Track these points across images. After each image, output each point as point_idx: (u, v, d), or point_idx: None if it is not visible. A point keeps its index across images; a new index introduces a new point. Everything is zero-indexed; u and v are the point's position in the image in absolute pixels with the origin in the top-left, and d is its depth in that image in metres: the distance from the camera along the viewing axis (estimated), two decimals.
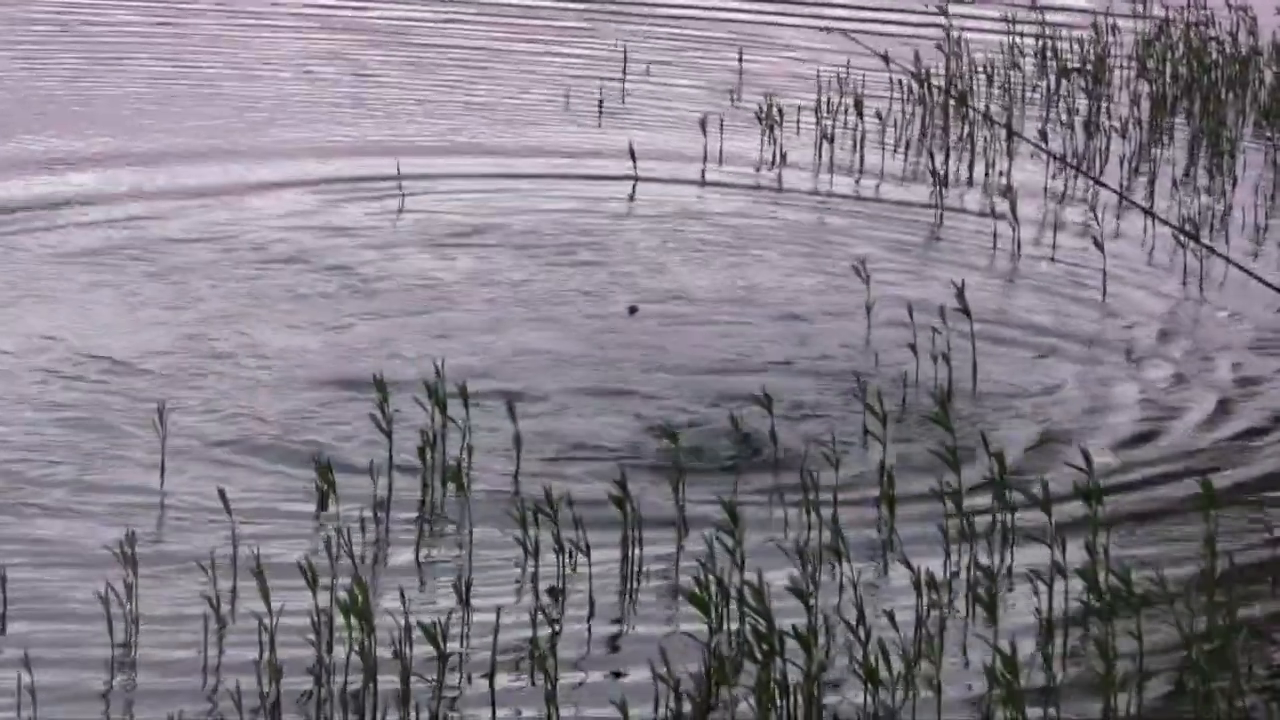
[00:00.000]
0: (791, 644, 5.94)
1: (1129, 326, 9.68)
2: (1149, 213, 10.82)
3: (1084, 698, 6.24)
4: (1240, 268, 9.26)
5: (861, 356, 8.73)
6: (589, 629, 6.63)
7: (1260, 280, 9.00)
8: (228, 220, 11.46)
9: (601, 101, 12.73)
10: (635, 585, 6.90)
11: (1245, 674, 6.30)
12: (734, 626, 6.10)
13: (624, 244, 10.45)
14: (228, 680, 6.13)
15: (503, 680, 6.21)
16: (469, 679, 6.22)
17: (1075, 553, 6.88)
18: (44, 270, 10.67)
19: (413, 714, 5.99)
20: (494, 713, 6.10)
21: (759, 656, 5.89)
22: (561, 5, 18.45)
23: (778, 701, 5.82)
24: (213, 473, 7.72)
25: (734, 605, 6.12)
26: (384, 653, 6.10)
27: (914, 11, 15.69)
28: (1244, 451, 8.08)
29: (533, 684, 6.21)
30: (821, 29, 14.13)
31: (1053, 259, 10.57)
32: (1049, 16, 14.40)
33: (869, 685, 5.86)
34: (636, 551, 6.99)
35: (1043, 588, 6.81)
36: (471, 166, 12.45)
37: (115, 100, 14.71)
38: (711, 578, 6.23)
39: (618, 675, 6.25)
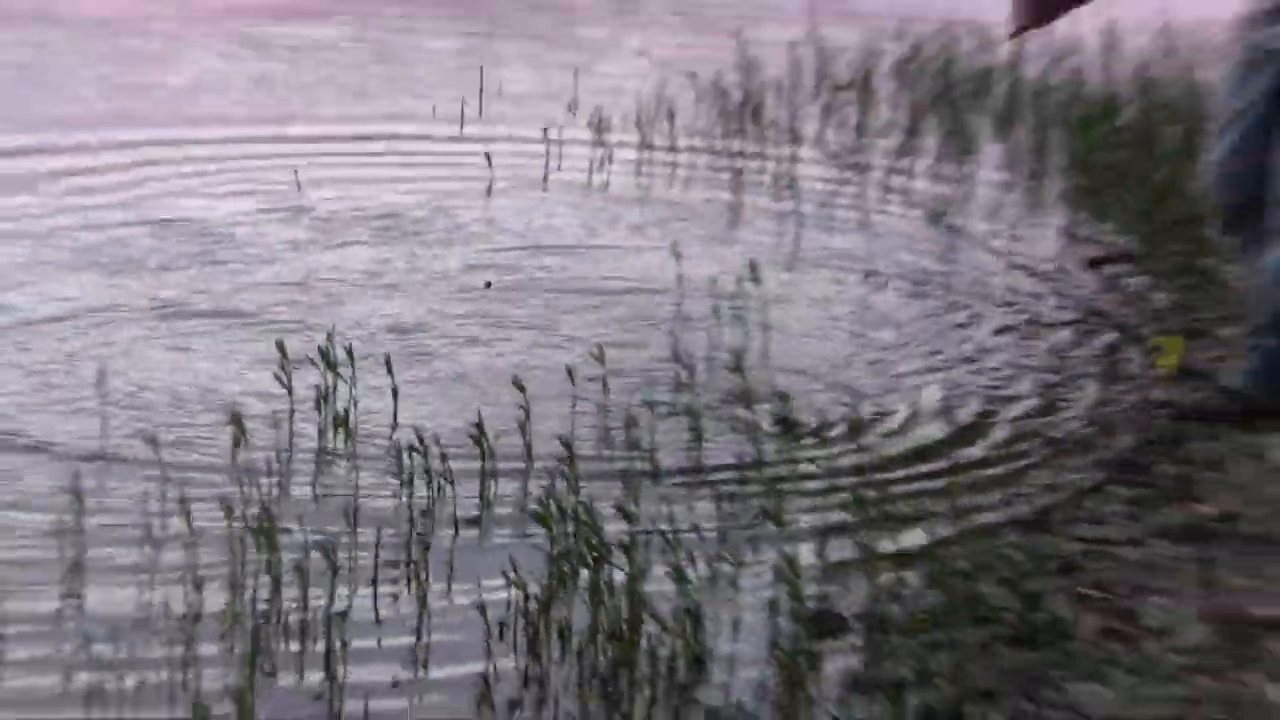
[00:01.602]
0: (617, 553, 6.11)
1: (881, 286, 9.88)
2: (905, 200, 11.08)
3: (850, 591, 6.41)
4: (979, 246, 9.55)
5: (673, 320, 8.99)
6: (454, 544, 6.88)
7: (1008, 266, 9.35)
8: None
9: (463, 110, 12.66)
10: (491, 508, 7.13)
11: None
12: (571, 541, 6.24)
13: (477, 232, 10.52)
14: (158, 593, 6.24)
15: (384, 586, 6.46)
16: (356, 586, 6.41)
17: (847, 479, 7.18)
18: None
19: (312, 616, 6.09)
20: (377, 612, 6.29)
21: (590, 563, 6.10)
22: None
23: (606, 601, 6.00)
24: (141, 423, 7.69)
25: (570, 523, 6.29)
26: (286, 561, 6.22)
27: (720, 39, 15.58)
28: (986, 398, 8.23)
29: (408, 589, 6.43)
30: (639, 54, 14.12)
31: (829, 239, 10.68)
32: (825, 44, 14.38)
33: (679, 584, 6.02)
34: (492, 481, 7.20)
35: (820, 501, 7.13)
36: (342, 162, 12.34)
37: None
38: (553, 501, 6.44)
39: (478, 580, 6.41)
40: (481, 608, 6.08)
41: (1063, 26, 9.96)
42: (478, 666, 5.81)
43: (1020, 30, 7.81)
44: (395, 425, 7.51)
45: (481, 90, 13.57)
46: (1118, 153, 11.88)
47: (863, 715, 5.62)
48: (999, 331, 9.24)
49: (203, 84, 15.20)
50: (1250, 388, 7.45)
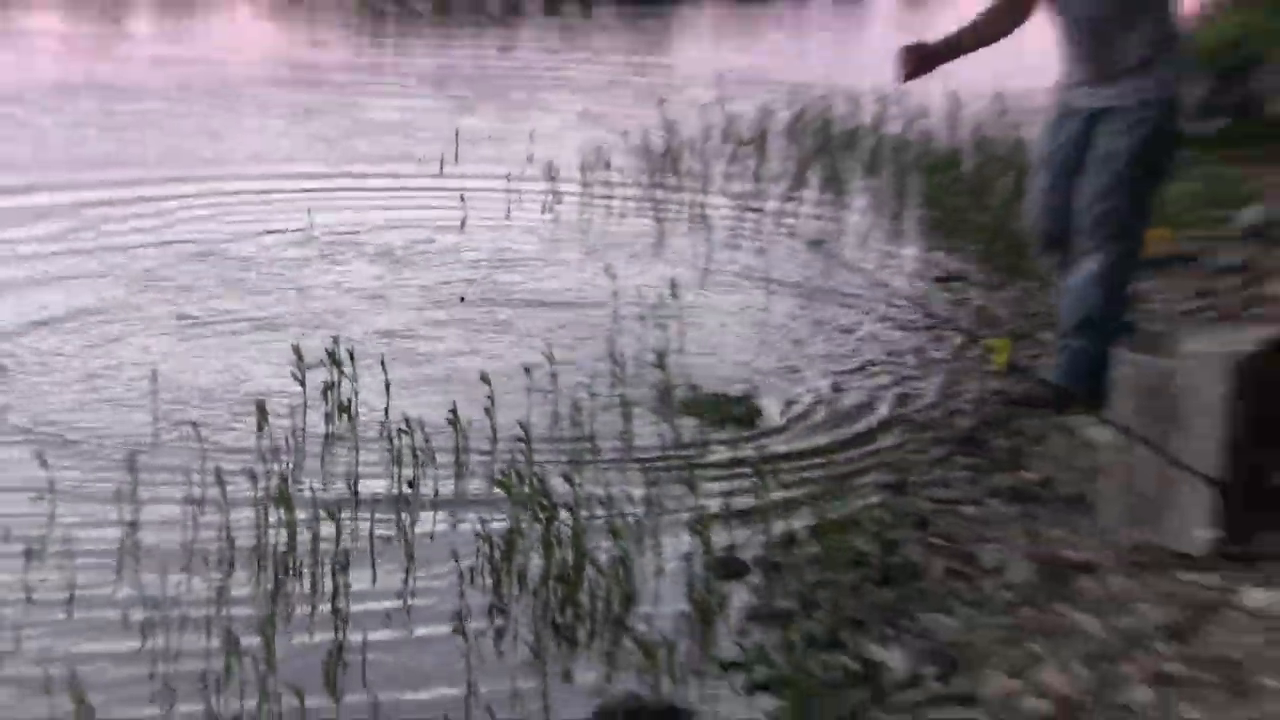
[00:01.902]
0: (564, 512, 6.16)
1: (771, 301, 9.84)
2: (793, 231, 11.09)
3: (749, 542, 6.43)
4: (852, 267, 9.58)
5: (609, 326, 8.98)
6: (434, 507, 6.88)
7: (879, 285, 9.37)
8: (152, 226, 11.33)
9: (443, 162, 12.64)
10: (464, 478, 7.14)
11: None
12: (527, 503, 6.31)
13: (453, 258, 10.53)
14: (198, 545, 6.29)
15: (378, 539, 6.48)
16: (356, 539, 6.43)
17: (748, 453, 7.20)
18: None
19: (321, 562, 6.16)
20: (372, 559, 6.31)
21: (542, 521, 6.15)
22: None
23: (555, 551, 6.07)
24: (182, 412, 7.72)
25: (527, 489, 6.37)
26: (301, 520, 6.28)
27: (646, 104, 15.55)
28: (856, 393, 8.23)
29: (397, 541, 6.44)
30: (582, 116, 14.12)
31: (733, 262, 10.70)
32: (730, 108, 14.37)
33: (614, 537, 6.06)
34: (465, 457, 7.21)
35: (726, 471, 7.16)
36: (345, 200, 12.37)
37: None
38: (513, 472, 6.52)
39: (453, 535, 6.47)
40: (456, 556, 6.19)
41: (918, 89, 10.03)
42: (453, 603, 5.86)
43: (905, 80, 7.86)
44: (388, 412, 7.50)
45: (457, 144, 13.54)
46: (959, 195, 11.94)
47: (759, 641, 5.69)
48: (867, 334, 9.29)
49: (229, 137, 15.18)
50: (1061, 380, 7.50)
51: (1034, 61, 8.41)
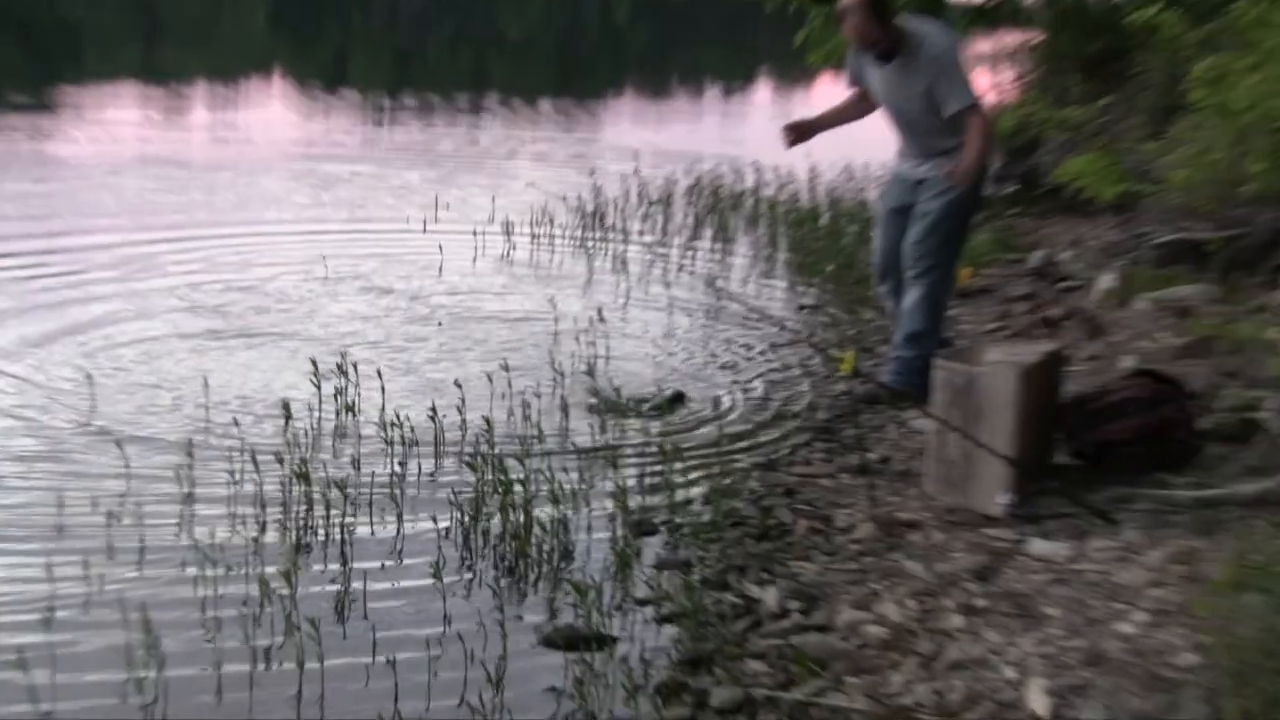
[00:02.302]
0: (517, 486, 6.15)
1: (675, 324, 9.79)
2: (692, 271, 11.08)
3: (658, 508, 6.41)
4: (744, 305, 9.57)
5: (551, 342, 8.85)
6: (418, 482, 6.84)
7: (755, 311, 9.35)
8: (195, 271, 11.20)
9: (426, 220, 12.58)
10: (441, 459, 7.10)
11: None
12: (489, 479, 6.27)
13: (433, 291, 10.46)
14: (236, 510, 6.28)
15: (376, 507, 6.44)
16: (359, 507, 6.38)
17: (657, 439, 7.14)
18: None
19: (332, 524, 6.12)
20: (371, 523, 6.28)
21: (500, 492, 6.14)
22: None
23: (510, 515, 6.06)
24: (222, 409, 7.71)
25: (489, 469, 6.33)
26: (317, 493, 6.24)
27: (581, 173, 15.46)
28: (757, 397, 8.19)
29: (391, 508, 6.42)
30: (530, 184, 14.08)
31: (646, 295, 10.67)
32: (643, 175, 14.33)
33: (555, 505, 6.09)
34: (442, 443, 7.19)
35: (641, 452, 7.14)
36: (349, 248, 12.26)
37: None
38: (478, 455, 6.52)
39: (433, 503, 6.41)
40: (434, 519, 6.19)
41: (787, 159, 10.01)
42: (431, 556, 5.82)
43: (789, 146, 7.93)
44: (383, 410, 7.40)
45: (436, 205, 13.49)
46: (817, 242, 11.96)
47: (666, 583, 5.68)
48: (748, 349, 9.25)
49: (264, 199, 15.09)
50: (894, 382, 7.53)
51: (873, 140, 8.42)
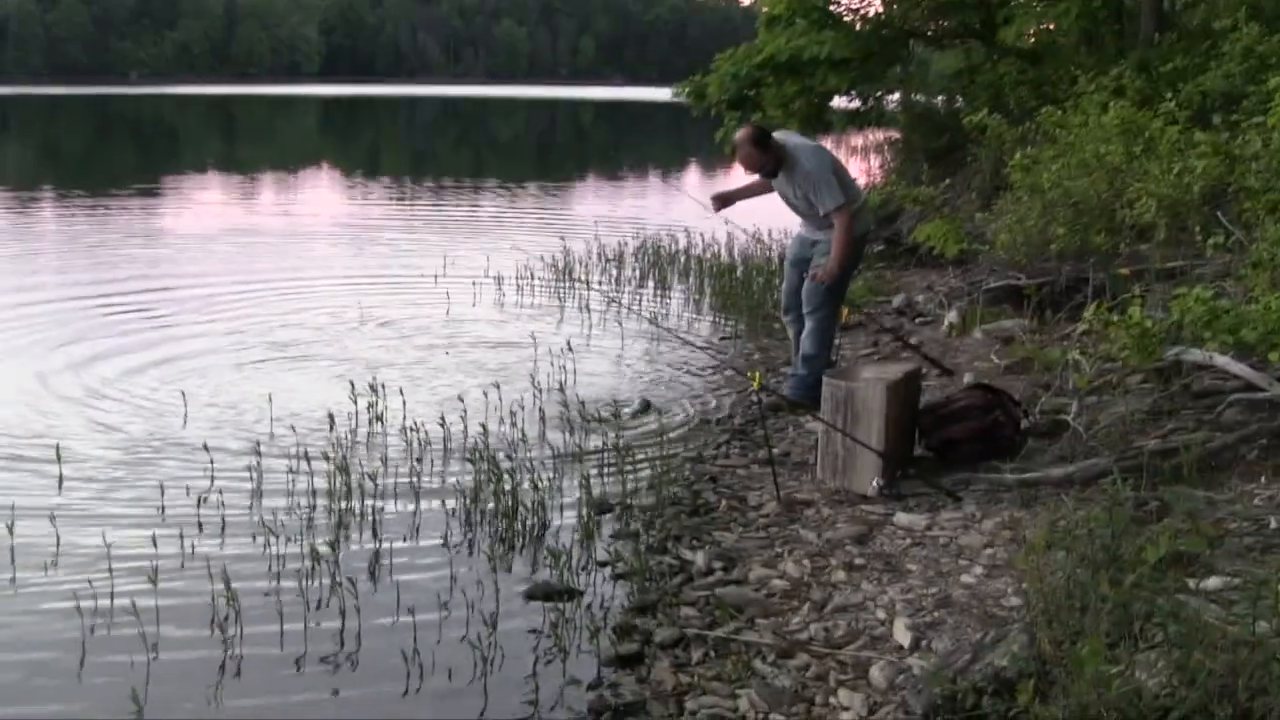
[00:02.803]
0: (506, 476, 6.13)
1: (626, 352, 9.76)
2: (638, 311, 11.05)
3: (613, 492, 6.35)
4: (679, 337, 9.57)
5: (532, 365, 8.77)
6: (432, 474, 6.79)
7: (687, 342, 9.32)
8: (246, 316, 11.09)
9: (436, 275, 12.53)
10: (449, 457, 7.03)
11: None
12: (486, 471, 6.22)
13: (442, 328, 10.41)
14: (294, 497, 6.27)
15: (399, 493, 6.41)
16: (385, 493, 6.36)
17: (614, 439, 7.09)
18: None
19: (365, 507, 6.10)
20: (396, 504, 6.24)
21: (494, 481, 6.13)
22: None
23: (501, 499, 6.04)
24: (282, 422, 7.63)
25: (485, 463, 6.30)
26: (354, 483, 6.23)
27: (553, 239, 15.40)
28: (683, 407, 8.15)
29: (410, 494, 6.37)
30: (514, 248, 14.05)
31: (602, 330, 10.63)
32: (601, 239, 14.32)
33: (535, 490, 6.04)
34: (449, 444, 7.13)
35: (601, 451, 7.07)
36: (376, 294, 12.27)
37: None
38: (477, 453, 6.54)
39: (442, 490, 6.36)
40: (444, 502, 6.19)
41: (710, 226, 10.02)
42: (441, 530, 5.86)
43: (716, 211, 7.99)
44: (404, 419, 7.36)
45: (444, 262, 13.43)
46: (735, 288, 11.92)
47: (620, 549, 5.66)
48: (682, 370, 9.19)
49: (313, 258, 15.05)
50: (793, 394, 7.53)
51: (775, 213, 8.45)
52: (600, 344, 10.14)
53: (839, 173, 7.62)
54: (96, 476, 6.64)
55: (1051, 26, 15.43)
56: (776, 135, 7.70)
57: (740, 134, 7.64)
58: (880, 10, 16.90)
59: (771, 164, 7.56)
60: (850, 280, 8.07)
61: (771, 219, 10.22)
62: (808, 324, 7.76)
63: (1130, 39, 13.61)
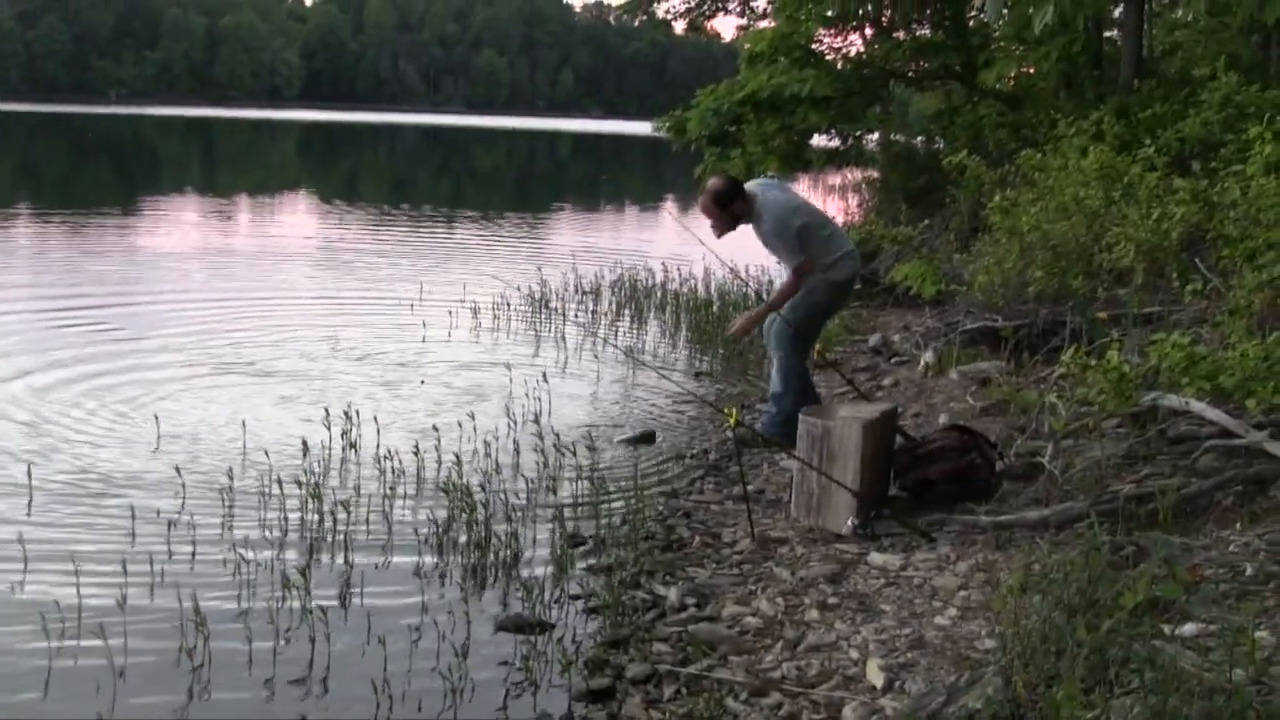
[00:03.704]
0: (479, 507, 6.02)
1: (601, 385, 9.74)
2: (615, 344, 11.03)
3: (587, 525, 6.30)
4: (648, 365, 9.54)
5: (507, 396, 8.78)
6: (404, 503, 6.73)
7: (664, 376, 9.31)
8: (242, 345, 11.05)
9: (413, 304, 12.51)
10: (422, 487, 6.99)
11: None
12: (459, 501, 6.14)
13: (417, 356, 10.39)
14: (268, 514, 6.26)
15: (370, 521, 6.36)
16: (357, 520, 6.29)
17: (586, 471, 7.06)
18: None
19: (338, 535, 6.05)
20: (366, 531, 6.20)
21: (467, 512, 6.09)
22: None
23: (474, 530, 6.01)
24: (255, 446, 7.53)
25: (458, 493, 6.26)
26: (326, 510, 6.20)
27: (530, 270, 15.43)
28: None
29: (382, 522, 6.34)
30: (493, 277, 14.02)
31: (578, 361, 10.61)
32: (578, 271, 14.33)
33: (508, 522, 5.91)
34: (423, 474, 7.07)
35: (575, 481, 7.01)
36: (351, 320, 12.19)
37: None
38: (450, 483, 6.46)
39: (414, 519, 6.30)
40: (416, 530, 6.12)
41: (688, 261, 10.02)
42: (413, 559, 5.81)
43: (718, 237, 7.87)
44: (378, 446, 7.33)
45: (421, 290, 13.45)
46: (711, 324, 11.92)
47: (593, 583, 5.63)
48: (657, 403, 9.19)
49: (290, 282, 15.02)
50: (765, 431, 7.52)
51: (754, 249, 8.47)
52: (576, 376, 10.11)
53: (808, 229, 7.51)
54: (67, 498, 6.60)
55: (1031, 70, 15.59)
56: (751, 186, 7.64)
57: (708, 186, 7.58)
58: (862, 50, 17.10)
59: (729, 221, 7.50)
60: (819, 324, 8.02)
61: (750, 255, 10.22)
62: (773, 362, 7.79)
63: (1109, 85, 13.73)
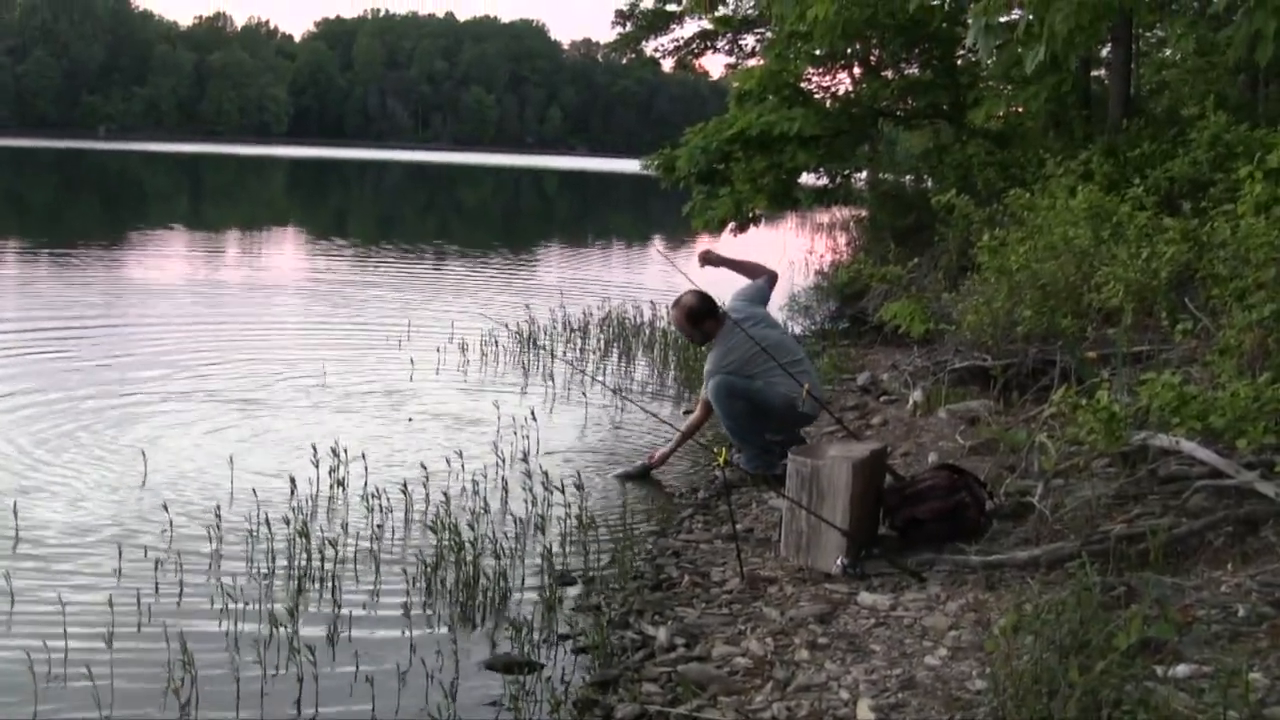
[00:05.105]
0: (468, 544, 6.03)
1: (590, 424, 9.74)
2: (602, 381, 11.03)
3: (575, 563, 6.23)
4: (636, 403, 9.55)
5: (494, 432, 8.77)
6: (393, 538, 6.71)
7: (651, 414, 9.31)
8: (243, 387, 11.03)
9: (400, 340, 12.50)
10: (409, 523, 6.97)
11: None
12: (447, 538, 6.10)
13: (405, 394, 10.38)
14: (257, 548, 6.22)
15: (359, 556, 6.34)
16: (345, 554, 6.28)
17: (575, 508, 7.04)
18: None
19: (325, 571, 6.04)
20: (354, 566, 6.19)
21: (455, 548, 6.05)
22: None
23: (463, 566, 5.99)
24: (244, 484, 7.50)
25: (446, 531, 6.21)
26: (314, 548, 6.18)
27: (519, 308, 15.47)
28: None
29: (370, 557, 6.33)
30: (481, 314, 14.02)
31: (567, 399, 10.61)
32: (566, 308, 14.34)
33: (496, 559, 5.88)
34: (410, 510, 7.06)
35: (563, 519, 6.96)
36: (338, 357, 12.25)
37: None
38: (438, 520, 6.36)
39: (403, 555, 6.26)
40: (404, 570, 6.11)
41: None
42: (402, 598, 5.79)
43: (701, 266, 8.47)
44: (365, 484, 7.32)
45: (408, 327, 13.48)
46: (699, 362, 11.83)
47: (582, 622, 5.61)
48: (644, 442, 9.15)
49: (277, 316, 15.03)
50: (749, 470, 7.57)
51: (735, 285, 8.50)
52: (564, 413, 10.11)
53: (721, 386, 7.89)
54: (53, 534, 6.57)
55: (1020, 109, 15.66)
56: (731, 307, 8.16)
57: (683, 302, 8.10)
58: (850, 89, 17.20)
59: (700, 337, 8.21)
60: (761, 428, 8.12)
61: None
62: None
63: (1098, 124, 13.80)
